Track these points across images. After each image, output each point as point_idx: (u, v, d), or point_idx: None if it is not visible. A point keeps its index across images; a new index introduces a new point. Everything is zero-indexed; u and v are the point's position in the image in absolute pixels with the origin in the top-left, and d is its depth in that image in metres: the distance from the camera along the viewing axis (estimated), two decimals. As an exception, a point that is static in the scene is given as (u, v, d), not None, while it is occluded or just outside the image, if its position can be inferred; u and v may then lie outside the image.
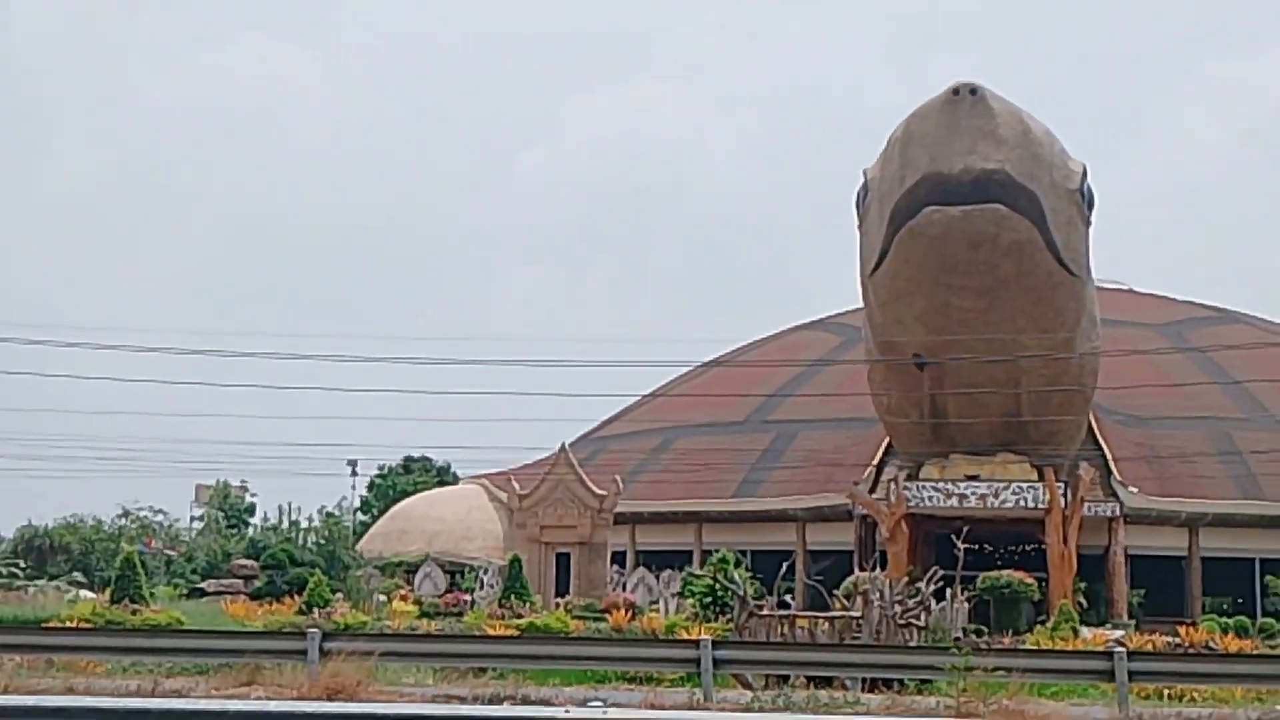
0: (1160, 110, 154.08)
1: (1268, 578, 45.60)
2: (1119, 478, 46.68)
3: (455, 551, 55.05)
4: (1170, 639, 33.54)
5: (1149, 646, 30.40)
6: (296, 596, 41.74)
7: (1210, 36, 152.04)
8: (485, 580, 45.30)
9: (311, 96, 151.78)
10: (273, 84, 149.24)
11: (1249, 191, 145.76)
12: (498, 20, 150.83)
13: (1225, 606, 46.66)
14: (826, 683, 21.11)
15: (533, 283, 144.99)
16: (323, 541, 54.70)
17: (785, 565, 35.48)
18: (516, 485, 48.52)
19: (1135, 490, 46.59)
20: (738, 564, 42.36)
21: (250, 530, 70.73)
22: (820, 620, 26.70)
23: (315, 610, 37.10)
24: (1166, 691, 21.60)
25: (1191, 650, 29.42)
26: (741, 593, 27.29)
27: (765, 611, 26.50)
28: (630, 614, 37.29)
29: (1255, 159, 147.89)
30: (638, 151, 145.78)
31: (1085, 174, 42.07)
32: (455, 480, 69.87)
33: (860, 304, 45.98)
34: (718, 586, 36.72)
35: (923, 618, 27.90)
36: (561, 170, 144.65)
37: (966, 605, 35.27)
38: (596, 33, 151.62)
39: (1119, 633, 36.08)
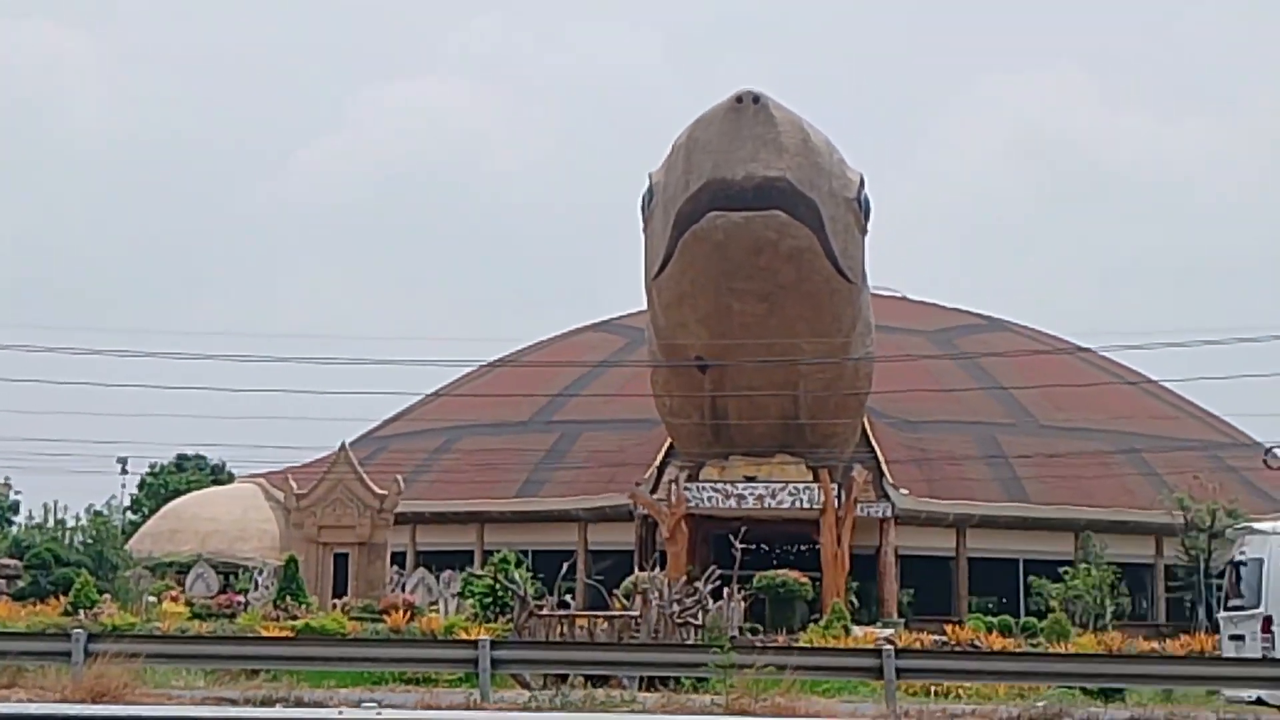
0: (934, 123, 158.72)
1: (1030, 578, 47.26)
2: (891, 480, 47.94)
3: (230, 552, 53.81)
4: (938, 637, 34.55)
5: (917, 645, 31.27)
6: (62, 597, 40.48)
7: (983, 53, 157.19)
8: (260, 581, 44.40)
9: (87, 80, 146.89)
10: (46, 68, 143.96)
11: (1016, 204, 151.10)
12: (285, 11, 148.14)
13: (990, 606, 48.27)
14: (604, 681, 21.24)
15: (319, 278, 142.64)
16: (90, 541, 52.87)
17: (566, 565, 35.62)
18: (294, 484, 47.67)
19: (906, 492, 47.91)
20: (519, 564, 42.26)
21: (13, 529, 68.07)
22: (599, 620, 26.83)
23: (82, 611, 35.99)
24: (934, 688, 22.26)
25: (957, 648, 30.36)
26: (522, 593, 27.27)
27: (545, 611, 26.52)
28: (409, 615, 36.95)
29: (1021, 172, 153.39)
30: (427, 147, 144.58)
31: (863, 183, 43.19)
32: (230, 479, 68.25)
33: (644, 306, 46.39)
34: (498, 587, 36.59)
35: (700, 616, 28.26)
36: (350, 165, 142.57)
37: (743, 604, 35.82)
38: (386, 26, 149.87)
39: (889, 631, 37.03)
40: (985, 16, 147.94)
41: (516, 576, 32.81)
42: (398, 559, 49.86)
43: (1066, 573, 45.13)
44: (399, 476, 47.62)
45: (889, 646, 19.42)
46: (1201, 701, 20.78)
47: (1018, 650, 27.96)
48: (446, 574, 45.38)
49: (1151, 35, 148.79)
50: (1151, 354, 76.63)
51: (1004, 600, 49.63)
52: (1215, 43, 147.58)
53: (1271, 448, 42.45)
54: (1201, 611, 47.44)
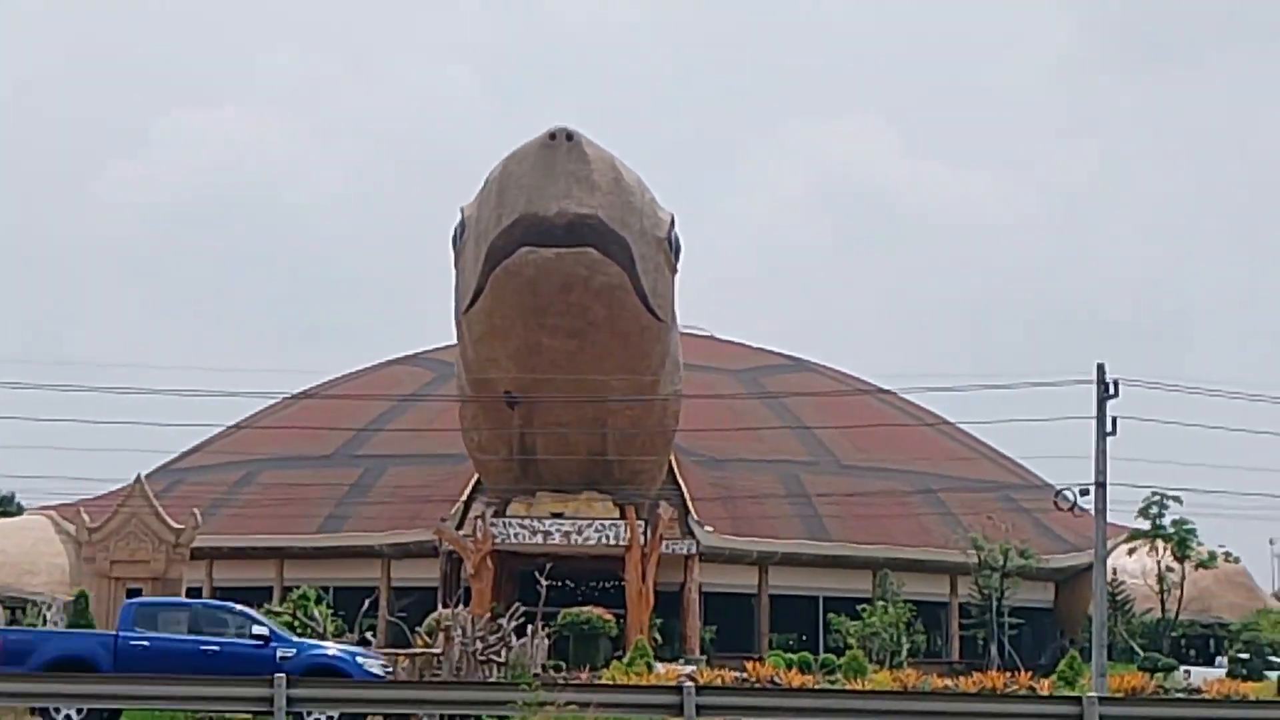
0: (743, 166, 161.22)
1: (830, 615, 48.04)
2: (696, 517, 48.31)
3: (17, 586, 51.78)
4: (739, 674, 34.85)
5: (718, 681, 31.50)
6: None
7: (790, 98, 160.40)
8: (49, 617, 42.80)
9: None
10: None
11: (821, 246, 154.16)
12: (85, 35, 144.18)
13: (791, 642, 48.95)
14: (404, 719, 20.99)
15: (117, 306, 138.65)
16: None
17: (368, 602, 35.15)
18: (86, 517, 46.07)
19: (711, 529, 48.33)
20: (319, 601, 41.63)
21: None
22: (400, 657, 26.53)
23: None
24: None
25: (757, 685, 30.67)
26: (321, 630, 26.82)
27: (345, 648, 26.08)
28: (204, 652, 35.92)
29: (825, 215, 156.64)
30: (233, 175, 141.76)
31: (673, 223, 43.62)
32: (20, 511, 65.77)
33: (454, 340, 46.12)
34: (297, 624, 35.88)
35: (503, 654, 28.15)
36: (151, 192, 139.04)
37: (547, 641, 35.71)
38: (189, 51, 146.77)
39: (690, 668, 37.25)
40: (791, 62, 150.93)
41: (316, 613, 32.33)
42: (194, 595, 48.55)
43: (865, 610, 45.97)
44: (196, 510, 46.36)
45: (690, 684, 19.53)
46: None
47: (816, 687, 28.36)
48: (244, 610, 44.27)
49: (948, 87, 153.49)
50: (949, 396, 78.75)
51: (804, 637, 50.33)
52: (1005, 97, 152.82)
53: (1061, 489, 43.65)
54: (994, 649, 48.74)
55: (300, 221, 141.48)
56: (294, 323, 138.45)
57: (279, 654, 22.80)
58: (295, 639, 24.56)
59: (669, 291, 44.11)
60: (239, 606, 24.82)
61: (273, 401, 60.15)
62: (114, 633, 23.99)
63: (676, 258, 44.04)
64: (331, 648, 24.29)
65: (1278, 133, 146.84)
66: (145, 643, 23.14)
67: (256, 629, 23.37)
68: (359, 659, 23.21)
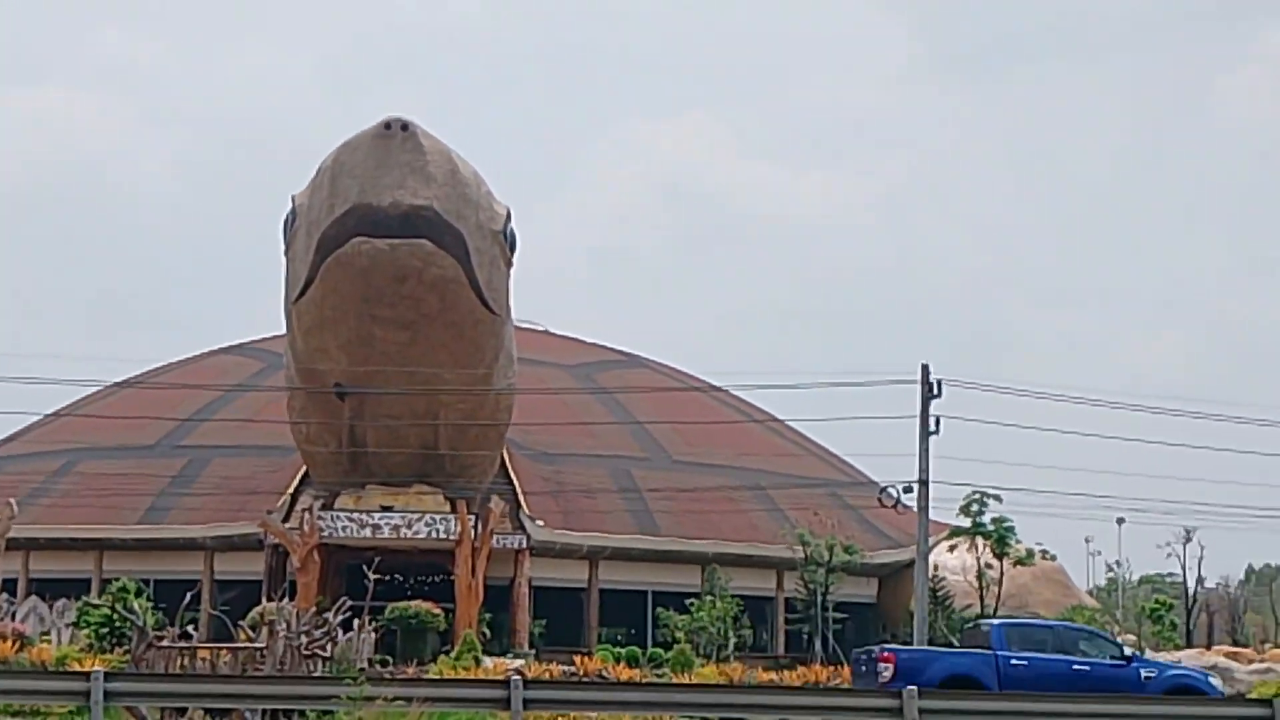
0: (580, 163, 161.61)
1: (659, 609, 48.34)
2: (528, 511, 48.27)
3: None
4: (567, 668, 34.93)
5: (546, 675, 31.54)
6: None
7: (624, 96, 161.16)
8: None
9: None
10: None
11: (656, 244, 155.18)
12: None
13: (620, 637, 49.12)
14: (226, 715, 20.62)
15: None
16: None
17: (190, 595, 34.35)
18: (-106, 506, 44.48)
19: (542, 524, 48.32)
20: (139, 593, 40.72)
21: None
22: (223, 651, 26.05)
23: None
24: (560, 718, 22.47)
25: (585, 679, 30.76)
26: (140, 623, 26.18)
27: (165, 643, 25.56)
28: (18, 645, 35.01)
29: (662, 214, 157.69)
30: (52, 158, 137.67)
31: (509, 217, 43.47)
32: None
33: (283, 330, 45.39)
34: (116, 617, 35.11)
35: (329, 648, 27.79)
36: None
37: (374, 635, 35.44)
38: (14, 31, 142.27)
39: (519, 662, 37.23)
40: (629, 60, 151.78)
41: (135, 606, 31.58)
42: (8, 586, 47.06)
43: (693, 605, 46.37)
44: (12, 500, 44.98)
45: (517, 678, 19.51)
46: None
47: (643, 681, 28.53)
48: (61, 603, 43.30)
49: (783, 91, 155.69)
50: (780, 394, 79.91)
51: (633, 631, 50.57)
52: (838, 102, 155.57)
53: (885, 487, 44.68)
54: (818, 643, 49.52)
55: (127, 207, 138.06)
56: (117, 310, 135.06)
57: (1142, 674, 24.18)
58: (1154, 660, 25.92)
59: (504, 285, 43.94)
60: (1094, 628, 26.33)
61: (94, 390, 58.59)
62: (993, 651, 25.18)
63: (512, 251, 43.90)
64: (1186, 668, 25.56)
65: (1088, 141, 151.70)
66: (1024, 662, 24.32)
67: (1118, 651, 25.04)
68: (1210, 679, 24.19)
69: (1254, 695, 29.36)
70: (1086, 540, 78.57)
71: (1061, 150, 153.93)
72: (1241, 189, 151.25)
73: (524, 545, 47.73)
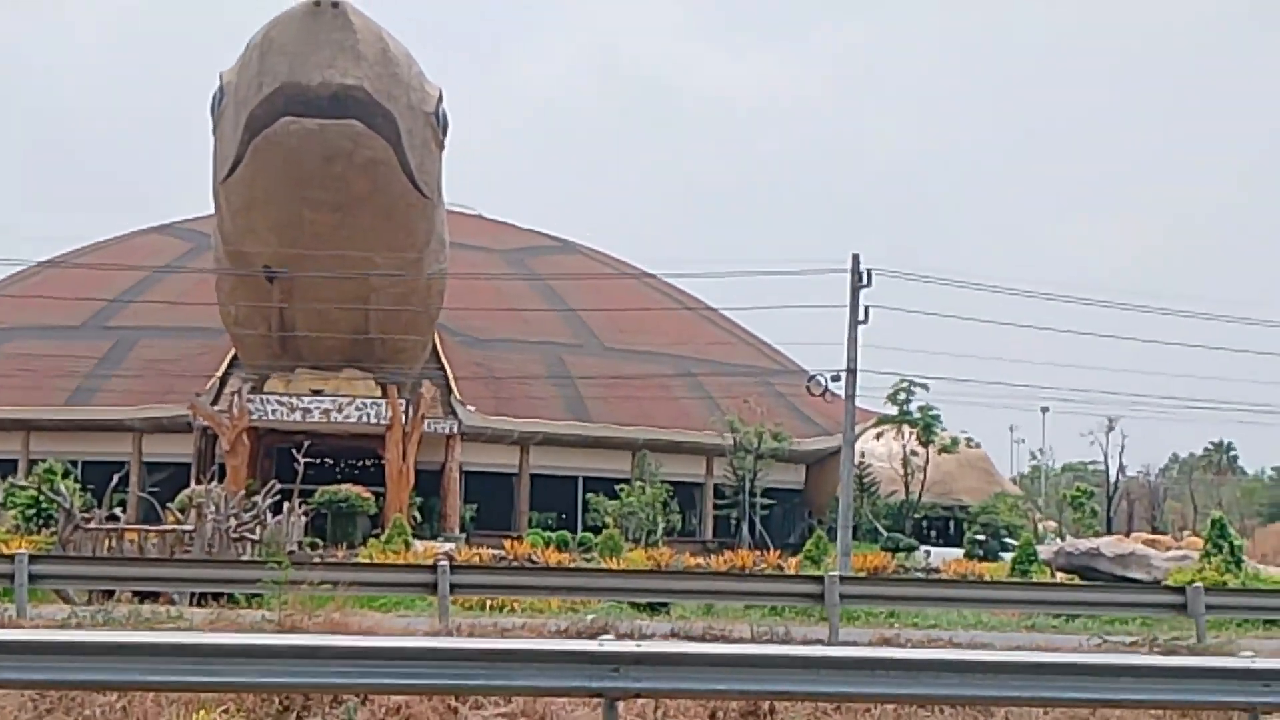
0: (514, 42, 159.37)
1: (589, 494, 48.72)
2: (459, 397, 48.29)
3: None
4: (497, 552, 35.13)
5: (476, 559, 31.71)
6: None
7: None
8: None
9: None
10: None
11: (593, 127, 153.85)
12: None
13: (550, 521, 49.51)
14: (154, 598, 20.61)
15: None
16: None
17: (117, 477, 34.21)
18: None
19: (473, 409, 48.38)
20: (66, 475, 40.47)
21: None
22: (150, 534, 26.03)
23: None
24: (489, 602, 22.63)
25: (514, 563, 30.97)
26: (68, 505, 26.09)
27: (92, 525, 25.51)
28: (-58, 527, 34.76)
29: (600, 96, 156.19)
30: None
31: (441, 98, 42.92)
32: None
33: (211, 210, 44.81)
34: (42, 498, 34.91)
35: (258, 531, 27.78)
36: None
37: (304, 519, 35.42)
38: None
39: (449, 546, 37.39)
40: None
41: (63, 488, 31.38)
42: (-68, 466, 46.77)
43: (623, 490, 46.75)
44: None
45: (444, 562, 19.60)
46: (738, 615, 21.93)
47: (570, 566, 28.77)
48: (-14, 484, 42.92)
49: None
50: (712, 281, 79.98)
51: (564, 516, 50.98)
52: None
53: (814, 375, 44.94)
54: (745, 528, 50.15)
55: (49, 83, 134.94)
56: (41, 186, 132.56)
57: None
58: None
59: (436, 168, 43.49)
60: None
61: (20, 269, 57.76)
62: None
63: (444, 134, 43.40)
64: None
65: (1035, 17, 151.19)
66: None
67: None
68: None
69: (1169, 582, 30.09)
70: (1011, 429, 79.89)
71: (1007, 26, 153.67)
72: (1184, 75, 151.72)
73: (455, 430, 47.83)
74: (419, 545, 36.66)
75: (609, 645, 9.34)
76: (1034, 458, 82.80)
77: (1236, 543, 36.11)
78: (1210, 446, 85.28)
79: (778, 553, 38.45)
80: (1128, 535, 52.83)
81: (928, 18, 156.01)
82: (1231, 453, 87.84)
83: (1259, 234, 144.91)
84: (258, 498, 28.88)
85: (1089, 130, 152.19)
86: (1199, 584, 20.97)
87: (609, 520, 43.90)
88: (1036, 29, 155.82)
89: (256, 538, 27.47)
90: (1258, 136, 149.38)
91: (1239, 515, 67.25)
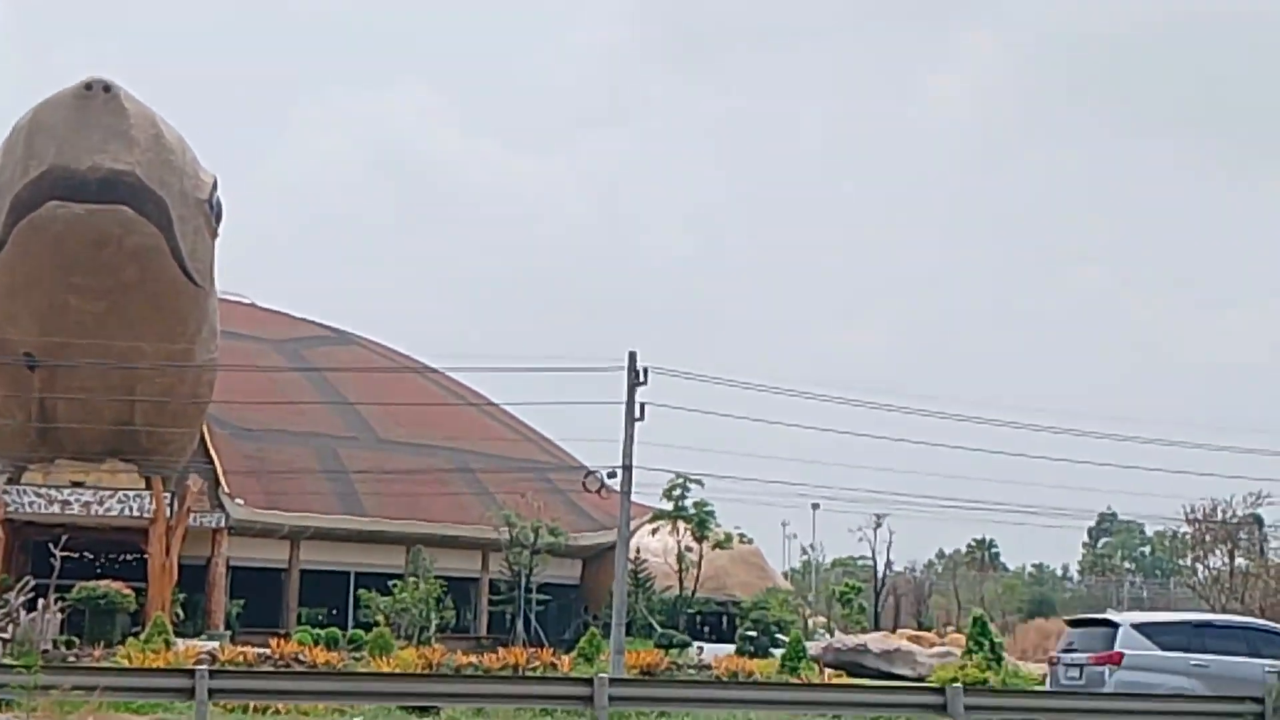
0: (295, 130, 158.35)
1: (361, 590, 47.91)
2: (227, 490, 47.19)
3: None
4: (262, 650, 34.23)
5: (241, 658, 30.87)
6: None
7: (331, 63, 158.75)
8: None
9: None
10: None
11: (373, 218, 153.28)
12: None
13: (321, 617, 48.54)
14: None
15: None
16: None
17: None
18: None
19: (242, 502, 47.33)
20: None
21: None
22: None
23: None
24: (252, 706, 22.01)
25: (280, 664, 30.24)
26: None
27: None
28: None
29: (379, 187, 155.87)
30: None
31: (215, 185, 42.26)
32: None
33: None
34: None
35: (10, 629, 26.71)
36: None
37: (60, 616, 34.16)
38: None
39: (213, 644, 36.36)
40: (329, 24, 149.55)
41: None
42: None
43: (396, 586, 46.07)
44: None
45: (203, 668, 19.00)
46: (509, 718, 21.76)
47: (335, 670, 28.11)
48: None
49: (503, 66, 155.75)
50: (495, 377, 79.94)
51: (335, 612, 50.00)
52: (557, 81, 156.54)
53: (591, 472, 45.15)
54: (520, 624, 49.87)
55: None
56: None
57: None
58: None
59: (209, 256, 42.69)
60: None
61: None
62: None
63: (218, 221, 42.69)
64: None
65: (799, 130, 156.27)
66: None
67: None
68: None
69: (933, 679, 30.84)
70: (784, 524, 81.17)
71: (772, 138, 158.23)
72: (946, 185, 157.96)
73: (222, 524, 46.79)
74: (180, 644, 35.51)
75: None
76: (805, 553, 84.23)
77: (996, 640, 37.26)
78: (973, 543, 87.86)
79: (551, 650, 38.25)
80: (894, 630, 54.14)
81: (696, 130, 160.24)
82: (993, 549, 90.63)
83: (1017, 338, 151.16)
84: (10, 594, 27.78)
85: (870, 234, 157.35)
86: (959, 683, 21.49)
87: (381, 617, 43.18)
88: (812, 138, 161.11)
89: (9, 636, 26.39)
90: (1023, 243, 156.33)
91: (1000, 611, 69.39)
